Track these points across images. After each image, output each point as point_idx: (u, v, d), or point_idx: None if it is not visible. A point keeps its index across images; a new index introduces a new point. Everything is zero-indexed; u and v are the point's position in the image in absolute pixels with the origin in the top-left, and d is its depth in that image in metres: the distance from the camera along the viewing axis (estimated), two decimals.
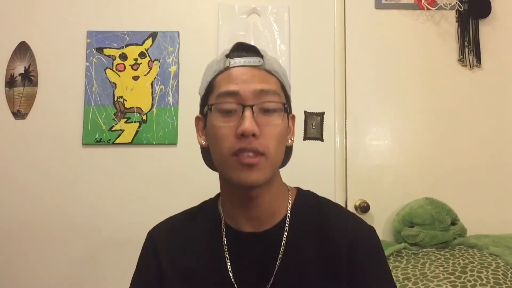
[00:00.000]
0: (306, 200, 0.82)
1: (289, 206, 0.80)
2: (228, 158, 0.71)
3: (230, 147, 0.70)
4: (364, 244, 0.76)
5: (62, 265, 1.73)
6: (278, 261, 0.75)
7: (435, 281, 1.39)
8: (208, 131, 0.76)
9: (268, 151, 0.71)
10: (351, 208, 1.77)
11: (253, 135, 0.69)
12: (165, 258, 0.80)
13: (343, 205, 1.77)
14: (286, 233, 0.77)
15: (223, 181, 0.79)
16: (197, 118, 0.82)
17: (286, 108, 0.76)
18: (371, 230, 0.81)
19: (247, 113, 0.69)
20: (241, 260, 0.77)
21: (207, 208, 0.86)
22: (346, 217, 0.81)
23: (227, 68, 0.75)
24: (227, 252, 0.77)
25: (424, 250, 1.59)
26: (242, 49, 0.77)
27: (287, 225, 0.78)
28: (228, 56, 0.76)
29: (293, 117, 0.82)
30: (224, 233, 0.79)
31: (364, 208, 1.74)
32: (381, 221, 1.76)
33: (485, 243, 1.58)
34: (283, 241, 0.76)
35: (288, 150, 0.81)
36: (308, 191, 0.86)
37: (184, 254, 0.80)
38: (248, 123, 0.68)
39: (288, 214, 0.79)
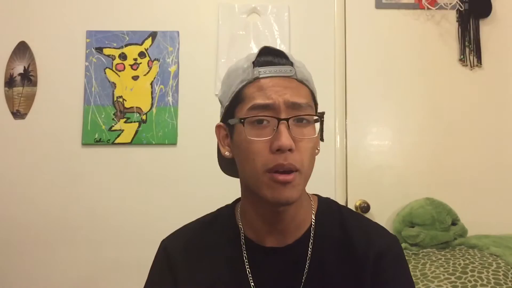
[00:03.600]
0: (328, 210, 0.80)
1: (313, 217, 0.78)
2: (262, 174, 0.68)
3: (264, 164, 0.67)
4: (388, 255, 0.74)
5: (61, 265, 1.72)
6: (304, 276, 0.73)
7: (436, 282, 1.38)
8: (237, 144, 0.72)
9: (302, 166, 0.69)
10: (351, 208, 1.77)
11: (289, 149, 0.67)
12: (182, 272, 0.77)
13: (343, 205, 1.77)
14: (311, 248, 0.75)
15: (249, 194, 0.75)
16: (218, 127, 0.78)
17: (322, 121, 0.74)
18: (395, 239, 0.79)
19: (283, 127, 0.67)
20: (264, 276, 0.74)
21: (224, 217, 0.81)
22: (369, 228, 0.79)
23: (257, 78, 0.71)
24: (248, 267, 0.74)
25: (424, 250, 1.59)
26: (269, 54, 0.73)
27: (312, 239, 0.75)
28: (255, 63, 0.72)
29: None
30: (244, 246, 0.76)
31: (365, 208, 1.74)
32: (381, 222, 1.71)
33: (486, 243, 1.57)
34: (309, 256, 0.74)
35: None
36: (328, 199, 0.84)
37: (202, 268, 0.76)
38: (285, 138, 0.66)
39: (313, 226, 0.77)
